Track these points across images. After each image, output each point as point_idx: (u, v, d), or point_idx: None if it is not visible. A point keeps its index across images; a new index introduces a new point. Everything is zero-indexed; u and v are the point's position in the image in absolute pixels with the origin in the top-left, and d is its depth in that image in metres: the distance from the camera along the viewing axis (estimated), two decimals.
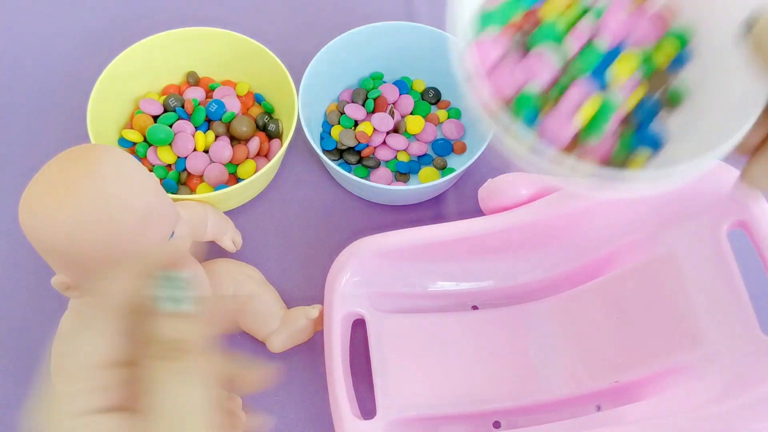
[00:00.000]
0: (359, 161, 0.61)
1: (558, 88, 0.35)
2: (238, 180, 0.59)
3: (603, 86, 0.35)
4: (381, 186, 0.56)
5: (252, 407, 0.53)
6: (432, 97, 0.64)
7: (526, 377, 0.51)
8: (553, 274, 0.55)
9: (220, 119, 0.60)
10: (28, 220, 0.40)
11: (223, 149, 0.59)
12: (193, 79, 0.63)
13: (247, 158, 0.59)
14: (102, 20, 0.69)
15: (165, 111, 0.61)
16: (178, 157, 0.59)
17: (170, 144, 0.59)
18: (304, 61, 0.61)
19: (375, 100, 0.62)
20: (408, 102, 0.63)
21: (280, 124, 0.61)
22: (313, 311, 0.52)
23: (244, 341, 0.55)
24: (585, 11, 0.36)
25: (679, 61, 0.38)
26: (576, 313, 0.53)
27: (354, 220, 0.60)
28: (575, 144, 0.35)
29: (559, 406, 0.51)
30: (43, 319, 0.56)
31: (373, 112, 0.62)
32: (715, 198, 0.49)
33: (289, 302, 0.56)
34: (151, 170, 0.59)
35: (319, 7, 0.71)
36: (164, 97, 0.62)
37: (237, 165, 0.59)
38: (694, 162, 0.33)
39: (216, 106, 0.60)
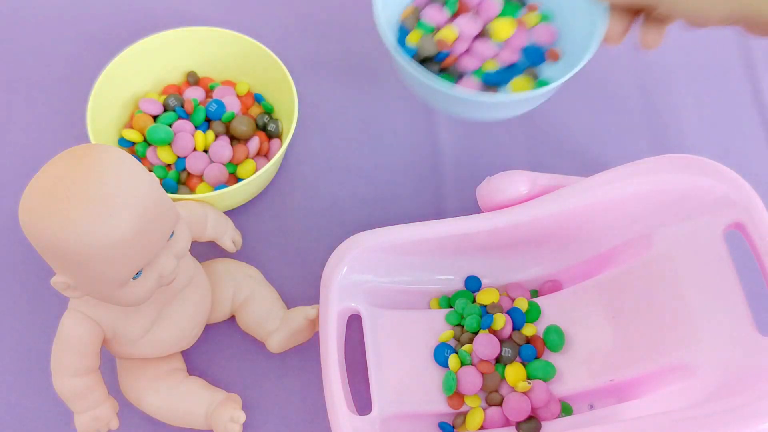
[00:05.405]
0: (441, 72, 0.54)
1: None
2: (238, 180, 0.59)
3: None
4: (473, 97, 0.49)
5: (252, 407, 0.54)
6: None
7: None
8: (550, 272, 0.55)
9: (220, 119, 0.60)
10: (28, 220, 0.40)
11: (223, 149, 0.59)
12: (192, 79, 0.63)
13: (246, 158, 0.59)
14: (101, 20, 0.69)
15: (165, 111, 0.61)
16: (178, 156, 0.59)
17: (170, 144, 0.59)
18: (304, 61, 0.61)
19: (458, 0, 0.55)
20: (494, 3, 0.55)
21: (279, 124, 0.61)
22: (313, 311, 0.52)
23: (243, 341, 0.55)
24: None
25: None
26: (572, 311, 0.53)
27: (354, 220, 0.60)
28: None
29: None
30: (43, 319, 0.56)
31: (456, 14, 0.55)
32: (713, 199, 0.49)
33: (289, 302, 0.56)
34: (150, 170, 0.59)
35: (319, 7, 0.71)
36: (164, 96, 0.62)
37: (237, 165, 0.59)
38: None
39: (216, 105, 0.60)
